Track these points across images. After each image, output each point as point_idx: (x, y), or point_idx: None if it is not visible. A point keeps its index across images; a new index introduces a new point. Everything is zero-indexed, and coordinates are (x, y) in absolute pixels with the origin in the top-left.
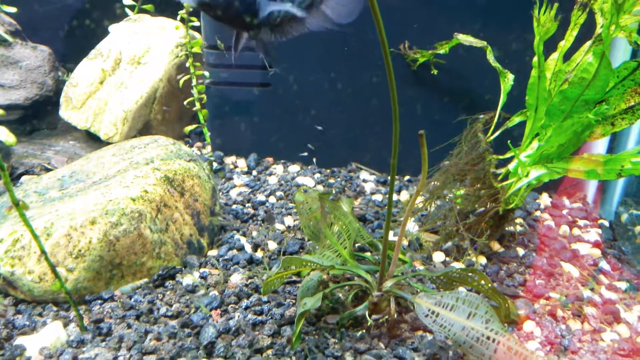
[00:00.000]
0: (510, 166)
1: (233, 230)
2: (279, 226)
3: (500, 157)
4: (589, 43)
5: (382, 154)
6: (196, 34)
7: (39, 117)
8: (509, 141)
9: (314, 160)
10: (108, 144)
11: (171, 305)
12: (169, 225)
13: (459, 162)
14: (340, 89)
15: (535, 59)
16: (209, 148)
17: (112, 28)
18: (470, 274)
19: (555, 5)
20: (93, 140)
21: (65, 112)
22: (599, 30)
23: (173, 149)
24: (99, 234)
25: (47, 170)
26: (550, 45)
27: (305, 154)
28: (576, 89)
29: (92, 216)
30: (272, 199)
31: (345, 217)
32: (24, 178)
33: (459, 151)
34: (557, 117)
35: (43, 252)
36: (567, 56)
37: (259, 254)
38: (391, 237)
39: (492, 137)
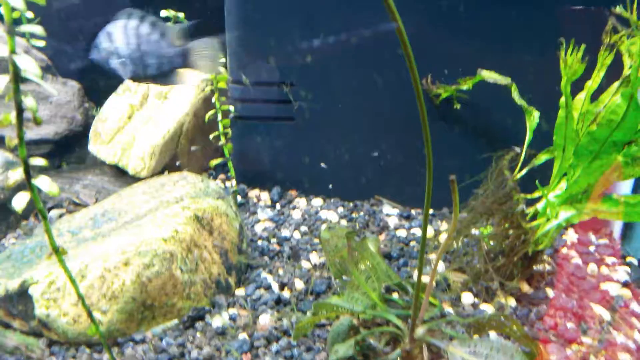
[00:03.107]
0: (539, 206)
1: (259, 268)
2: (304, 263)
3: (528, 196)
4: (617, 84)
5: (405, 187)
6: (221, 69)
7: (67, 151)
8: (537, 181)
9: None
10: (136, 178)
11: (202, 349)
12: (198, 265)
13: (486, 201)
14: (363, 122)
15: (562, 99)
16: (233, 182)
17: None
18: (503, 319)
19: (582, 46)
20: (121, 174)
21: (94, 147)
22: (627, 71)
23: (202, 187)
24: (132, 275)
25: (75, 204)
26: (576, 82)
27: (330, 186)
28: (604, 131)
29: (125, 257)
30: (296, 235)
31: (373, 258)
32: (52, 212)
33: (485, 189)
34: (586, 157)
35: (80, 297)
36: (595, 95)
37: (286, 293)
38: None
39: (518, 175)
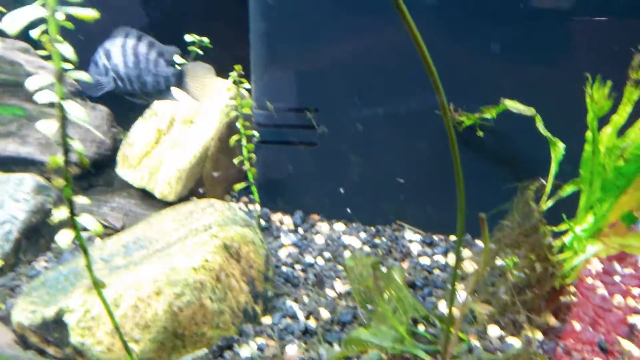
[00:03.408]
0: (566, 239)
1: (284, 296)
2: (329, 291)
3: (554, 228)
4: None
5: (427, 212)
6: (245, 93)
7: (96, 174)
8: (562, 213)
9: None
10: (162, 201)
11: None
12: (227, 293)
13: (512, 233)
14: (385, 147)
15: (589, 133)
16: (257, 206)
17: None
18: (533, 357)
19: (608, 83)
20: (148, 197)
21: (122, 170)
22: None
23: (229, 214)
24: (164, 304)
25: (104, 226)
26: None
27: (349, 210)
28: (631, 166)
29: (157, 286)
30: (320, 261)
31: (399, 290)
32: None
33: (511, 220)
34: (613, 192)
35: (116, 327)
36: (621, 128)
37: (312, 322)
38: (444, 306)
39: (545, 207)
